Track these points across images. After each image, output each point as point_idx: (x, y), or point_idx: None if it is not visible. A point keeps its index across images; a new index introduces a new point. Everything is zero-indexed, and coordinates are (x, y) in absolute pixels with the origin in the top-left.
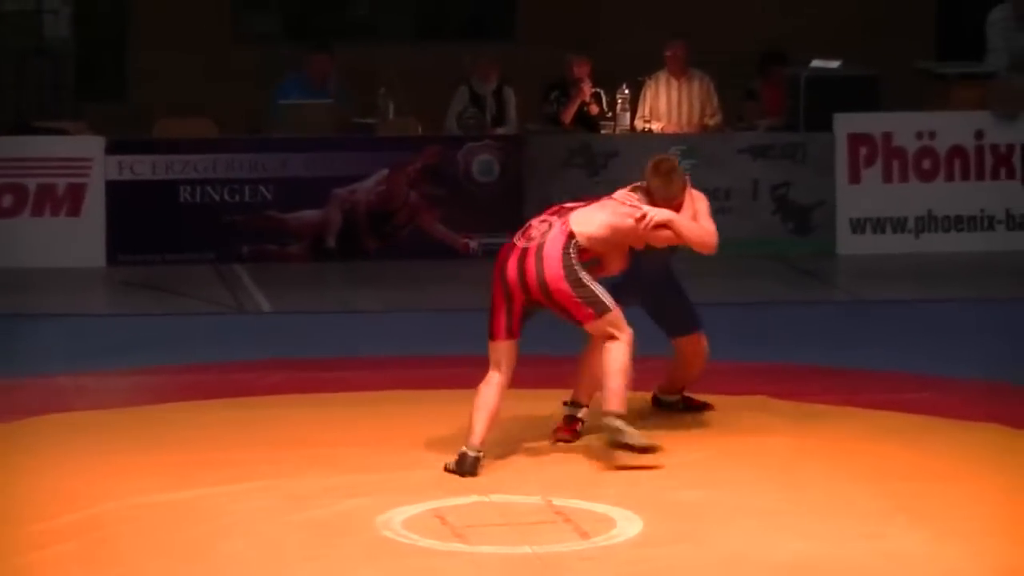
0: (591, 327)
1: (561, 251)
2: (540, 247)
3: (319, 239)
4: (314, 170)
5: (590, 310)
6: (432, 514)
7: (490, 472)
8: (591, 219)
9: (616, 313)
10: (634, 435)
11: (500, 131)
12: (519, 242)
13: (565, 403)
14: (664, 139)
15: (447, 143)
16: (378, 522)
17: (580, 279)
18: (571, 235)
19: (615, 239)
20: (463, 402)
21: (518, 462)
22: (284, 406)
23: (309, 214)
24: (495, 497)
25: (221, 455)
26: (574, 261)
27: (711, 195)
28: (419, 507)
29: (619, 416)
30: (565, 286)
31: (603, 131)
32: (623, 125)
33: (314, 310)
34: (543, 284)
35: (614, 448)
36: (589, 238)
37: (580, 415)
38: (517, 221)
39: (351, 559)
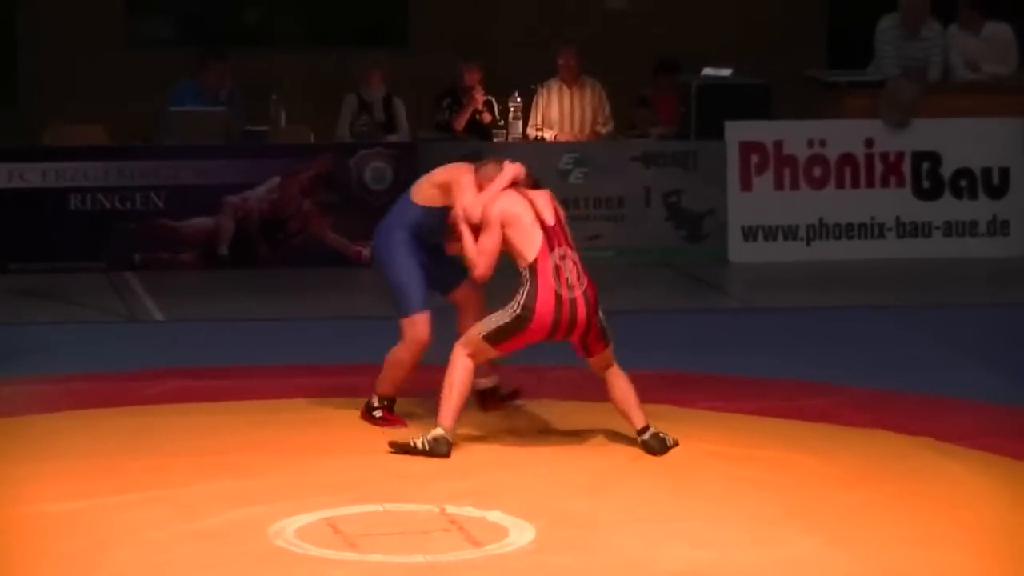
0: (603, 356)
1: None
2: (585, 292)
3: (211, 247)
4: (206, 178)
5: (605, 342)
6: (325, 523)
7: (385, 481)
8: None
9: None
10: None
11: (392, 139)
12: (563, 292)
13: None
14: (556, 147)
15: (339, 151)
16: (270, 531)
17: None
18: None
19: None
20: (355, 408)
21: (414, 471)
22: (176, 414)
23: (201, 222)
24: (389, 506)
25: (110, 464)
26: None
27: (604, 203)
28: (312, 516)
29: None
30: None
31: (495, 139)
32: (515, 133)
33: (207, 318)
34: (589, 325)
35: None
36: None
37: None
38: None
39: (242, 569)
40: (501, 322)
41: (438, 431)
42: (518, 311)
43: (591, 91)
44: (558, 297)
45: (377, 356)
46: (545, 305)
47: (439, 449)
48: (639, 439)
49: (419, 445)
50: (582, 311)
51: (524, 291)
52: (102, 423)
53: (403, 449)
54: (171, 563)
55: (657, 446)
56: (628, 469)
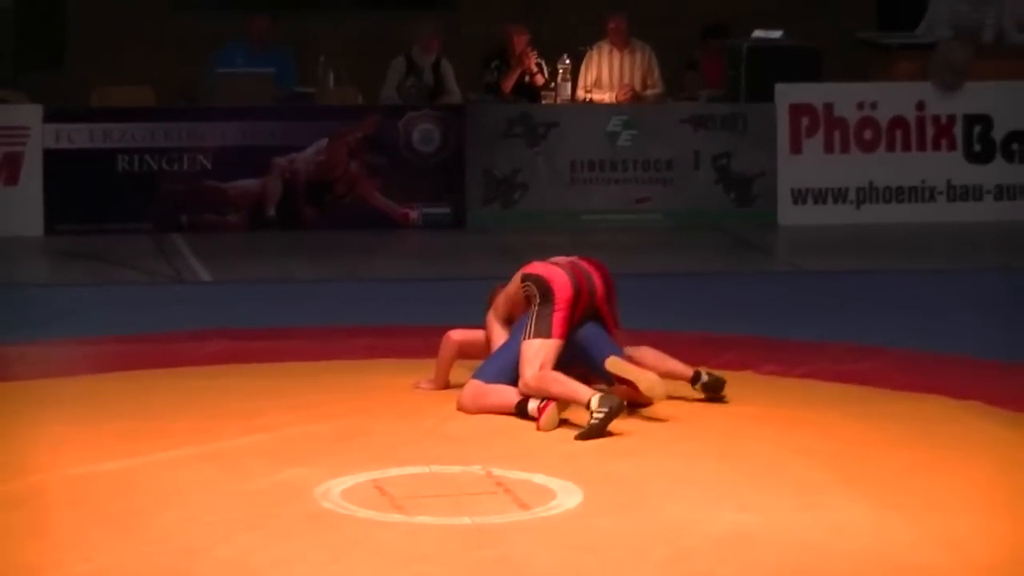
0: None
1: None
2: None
3: (258, 209)
4: (253, 139)
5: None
6: (371, 485)
7: (431, 444)
8: None
9: None
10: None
11: (440, 101)
12: (563, 262)
13: None
14: (605, 109)
15: (387, 113)
16: (316, 493)
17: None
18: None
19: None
20: (402, 372)
21: (460, 433)
22: (223, 376)
23: (248, 183)
24: (435, 468)
25: (159, 425)
26: None
27: (652, 165)
28: (358, 477)
29: None
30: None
31: (544, 101)
32: (564, 95)
33: (253, 280)
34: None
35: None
36: None
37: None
38: (458, 191)
39: (289, 530)
40: (534, 321)
41: (595, 396)
42: (537, 299)
43: (640, 54)
44: (561, 266)
45: (423, 318)
46: (554, 274)
47: (611, 403)
48: (697, 386)
49: (595, 417)
50: (595, 275)
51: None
52: (148, 384)
53: (590, 433)
54: (218, 523)
55: (716, 385)
56: (675, 433)
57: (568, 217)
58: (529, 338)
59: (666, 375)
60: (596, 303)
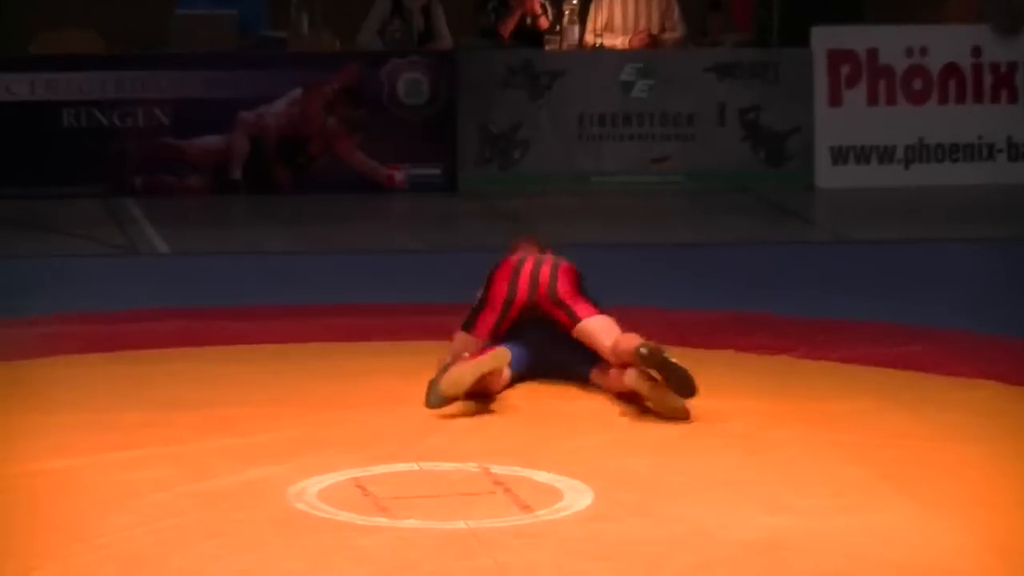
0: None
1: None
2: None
3: (222, 170)
4: (217, 91)
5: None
6: (352, 483)
7: (420, 437)
8: None
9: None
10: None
11: (430, 47)
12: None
13: None
14: (617, 56)
15: (369, 61)
16: (289, 493)
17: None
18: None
19: None
20: (387, 355)
21: (452, 425)
22: (181, 360)
23: (211, 141)
24: (425, 464)
25: (110, 417)
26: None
27: (672, 120)
28: (337, 475)
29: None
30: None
31: (548, 47)
32: (571, 40)
33: (217, 251)
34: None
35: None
36: None
37: None
38: (449, 150)
39: (258, 535)
40: (467, 314)
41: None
42: (480, 291)
43: None
44: (516, 262)
45: (410, 295)
46: (502, 270)
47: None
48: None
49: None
50: (544, 267)
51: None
52: (98, 370)
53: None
54: (177, 528)
55: (655, 357)
56: (697, 426)
57: (576, 179)
58: (459, 329)
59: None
60: (541, 305)
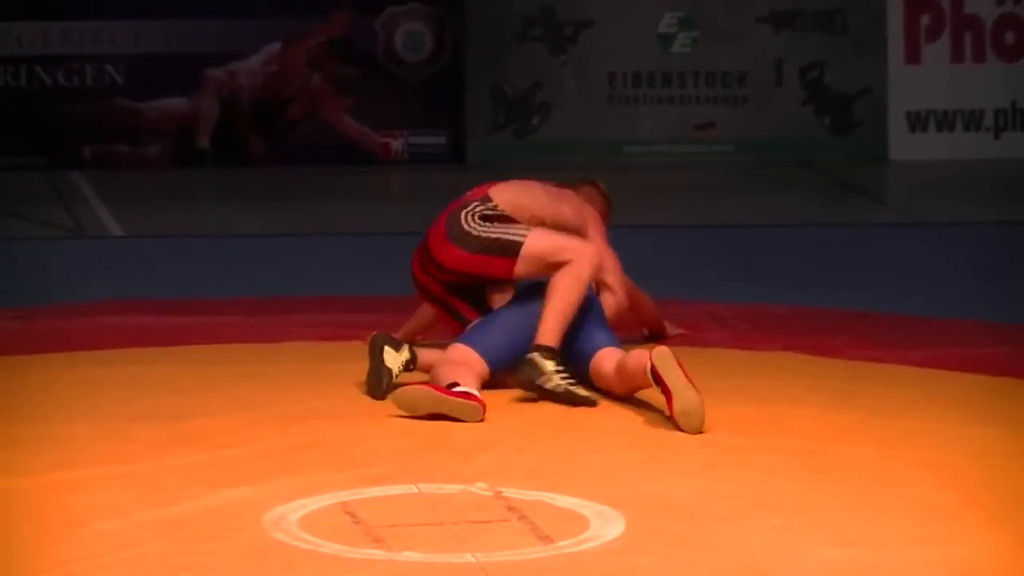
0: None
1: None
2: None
3: (186, 138)
4: (179, 44)
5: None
6: (340, 509)
7: (419, 454)
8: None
9: (539, 236)
10: (558, 382)
11: None
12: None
13: None
14: (655, 3)
15: (361, 8)
16: (266, 520)
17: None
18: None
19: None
20: None
21: (457, 439)
22: (139, 363)
23: (173, 103)
24: (425, 487)
25: (54, 429)
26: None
27: (720, 80)
28: (322, 499)
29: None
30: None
31: None
32: None
33: (180, 233)
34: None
35: (526, 390)
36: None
37: None
38: (456, 114)
39: (228, 569)
40: None
41: None
42: None
43: None
44: None
45: (409, 286)
46: None
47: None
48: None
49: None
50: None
51: None
52: (40, 374)
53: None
54: (133, 562)
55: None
56: (747, 442)
57: (605, 149)
58: None
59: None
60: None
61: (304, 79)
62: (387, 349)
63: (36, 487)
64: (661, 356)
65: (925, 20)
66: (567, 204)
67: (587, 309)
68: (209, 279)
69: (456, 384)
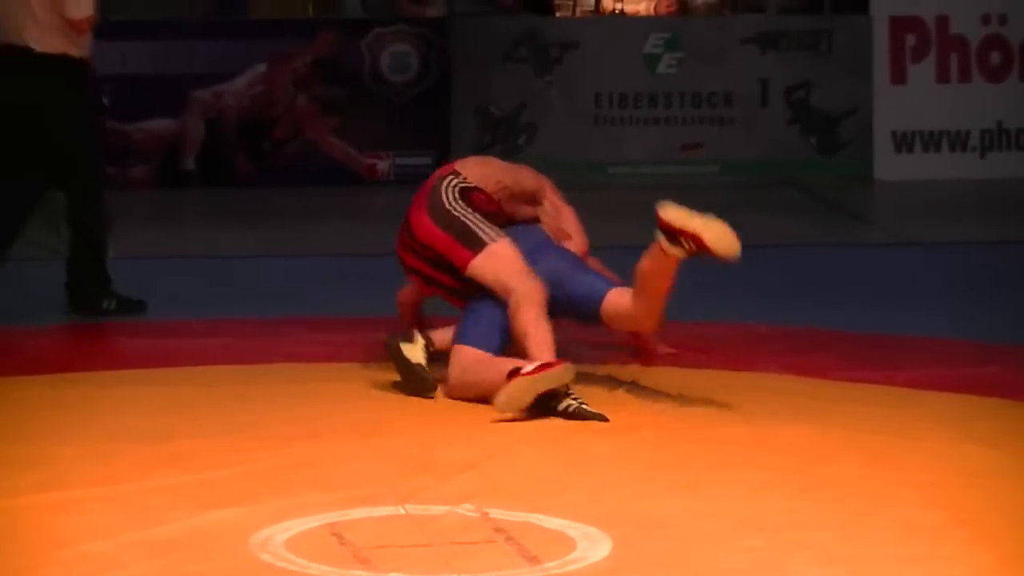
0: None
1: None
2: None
3: (172, 159)
4: (166, 65)
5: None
6: (327, 530)
7: (406, 474)
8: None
9: (506, 247)
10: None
11: (419, 13)
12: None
13: None
14: (640, 23)
15: (347, 29)
16: (253, 541)
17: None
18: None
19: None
20: (367, 378)
21: (444, 461)
22: (124, 384)
23: (159, 125)
24: (412, 508)
25: (39, 450)
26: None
27: (705, 100)
28: (309, 521)
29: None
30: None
31: (559, 12)
32: (586, 6)
33: (166, 254)
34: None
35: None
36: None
37: None
38: (442, 135)
39: None
40: None
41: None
42: None
43: None
44: None
45: (395, 306)
46: None
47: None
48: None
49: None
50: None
51: None
52: (24, 394)
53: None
54: None
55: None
56: (734, 461)
57: (591, 169)
58: None
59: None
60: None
61: (290, 100)
62: (404, 346)
63: (20, 508)
64: (665, 208)
65: (911, 41)
66: (524, 172)
67: (569, 262)
68: (195, 300)
69: (519, 367)
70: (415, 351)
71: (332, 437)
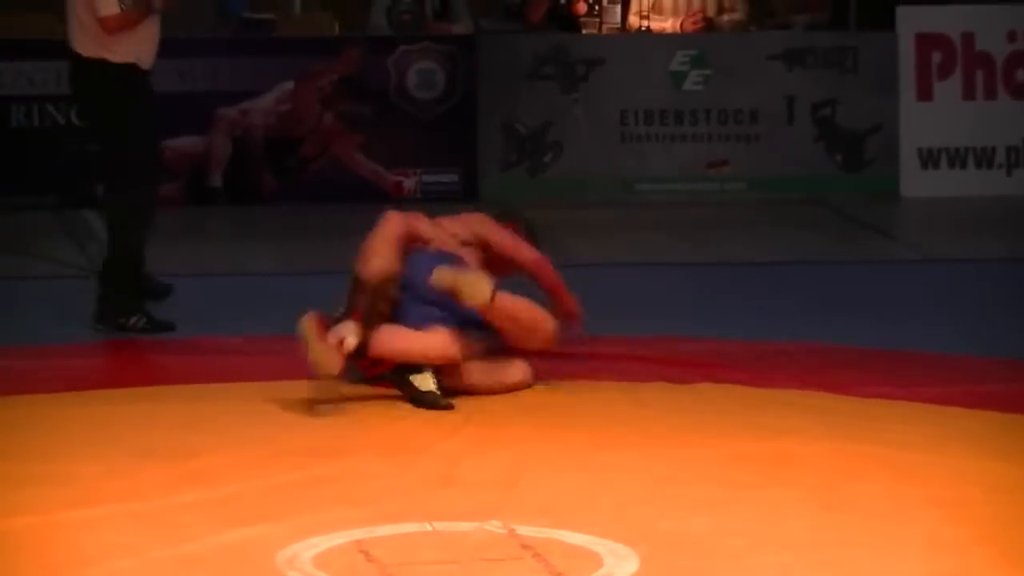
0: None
1: None
2: None
3: (199, 176)
4: (192, 83)
5: None
6: (353, 547)
7: (432, 491)
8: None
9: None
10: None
11: (445, 30)
12: None
13: None
14: (667, 41)
15: (374, 47)
16: (280, 558)
17: None
18: None
19: None
20: (392, 395)
21: (470, 477)
22: (151, 400)
23: (186, 142)
24: (439, 524)
25: (65, 468)
26: None
27: (731, 117)
28: (335, 538)
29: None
30: None
31: (584, 31)
32: (611, 23)
33: (192, 272)
34: None
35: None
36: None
37: None
38: (468, 152)
39: None
40: None
41: None
42: None
43: None
44: None
45: None
46: None
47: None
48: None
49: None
50: None
51: None
52: (52, 412)
53: None
54: None
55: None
56: (760, 475)
57: (617, 186)
58: None
59: None
60: None
61: (316, 117)
62: (414, 377)
63: (46, 526)
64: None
65: (937, 58)
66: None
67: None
68: (221, 317)
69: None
70: (426, 381)
71: (358, 453)
